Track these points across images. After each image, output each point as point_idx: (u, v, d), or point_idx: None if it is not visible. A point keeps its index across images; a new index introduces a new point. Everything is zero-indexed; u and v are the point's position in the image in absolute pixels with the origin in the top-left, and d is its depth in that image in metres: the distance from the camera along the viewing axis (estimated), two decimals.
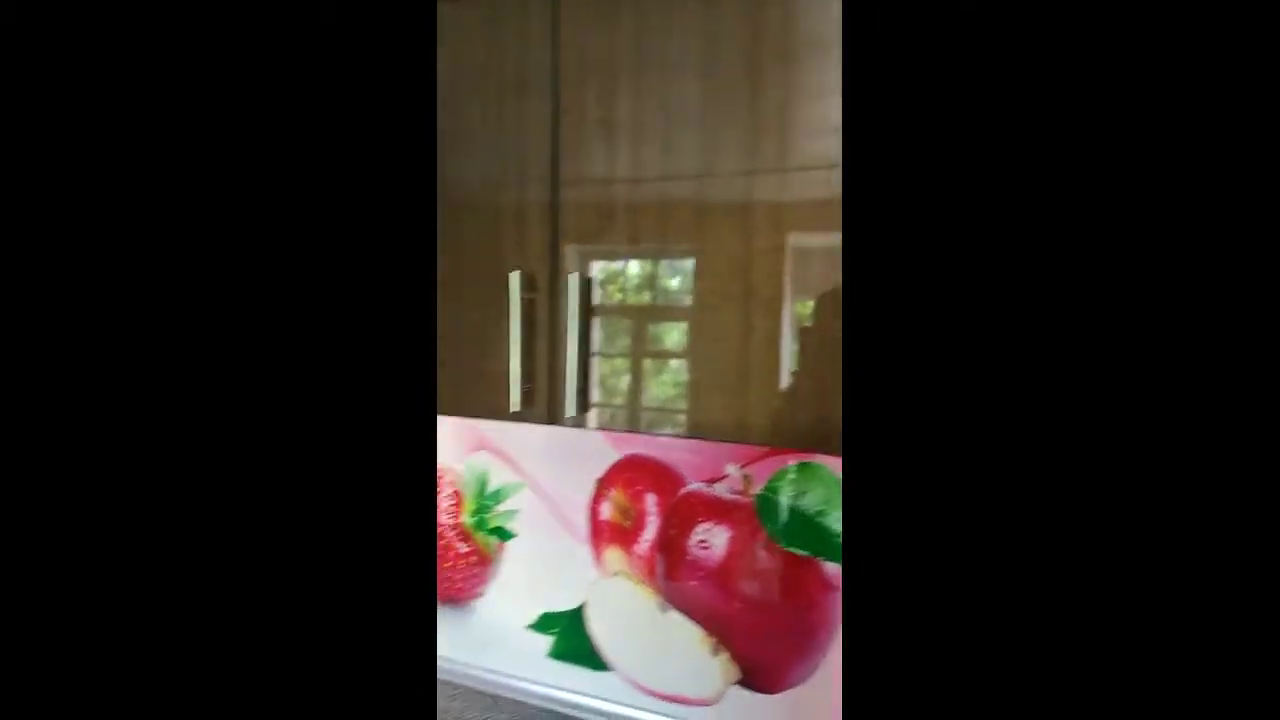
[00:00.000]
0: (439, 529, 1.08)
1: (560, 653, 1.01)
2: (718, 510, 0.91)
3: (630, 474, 0.95)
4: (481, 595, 1.06)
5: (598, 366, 0.71)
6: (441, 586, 1.08)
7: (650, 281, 0.68)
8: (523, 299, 0.72)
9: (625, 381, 0.70)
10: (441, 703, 1.00)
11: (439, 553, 1.08)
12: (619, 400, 0.70)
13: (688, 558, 0.92)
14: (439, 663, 1.08)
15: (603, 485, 0.97)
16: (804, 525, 0.85)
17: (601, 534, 0.98)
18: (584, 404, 0.71)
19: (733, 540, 0.89)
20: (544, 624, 1.02)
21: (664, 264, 0.67)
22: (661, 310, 0.68)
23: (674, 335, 0.67)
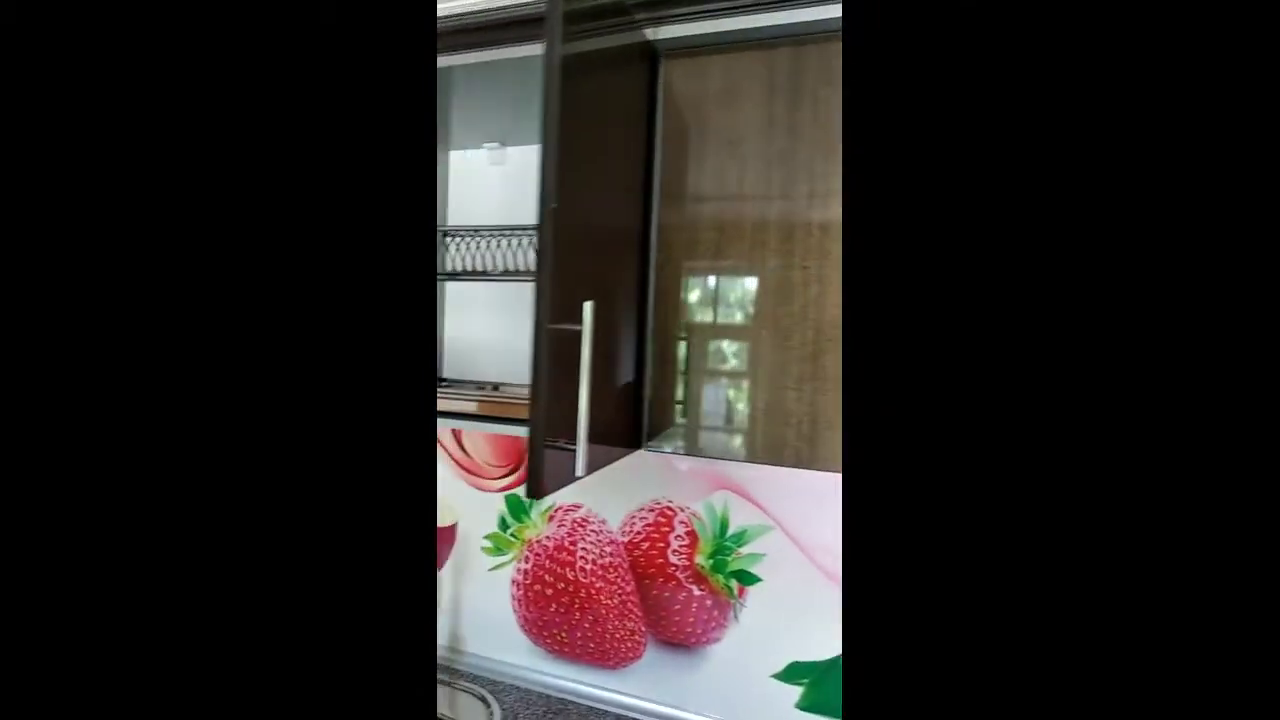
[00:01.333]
0: (669, 570, 1.03)
1: (811, 704, 0.97)
2: None
3: None
4: (718, 641, 1.01)
5: None
6: (670, 630, 1.03)
7: None
8: None
9: None
10: None
11: (667, 595, 1.03)
12: None
13: None
14: (670, 710, 1.04)
15: None
16: None
17: None
18: None
19: None
20: (792, 673, 0.98)
21: None
22: None
23: None
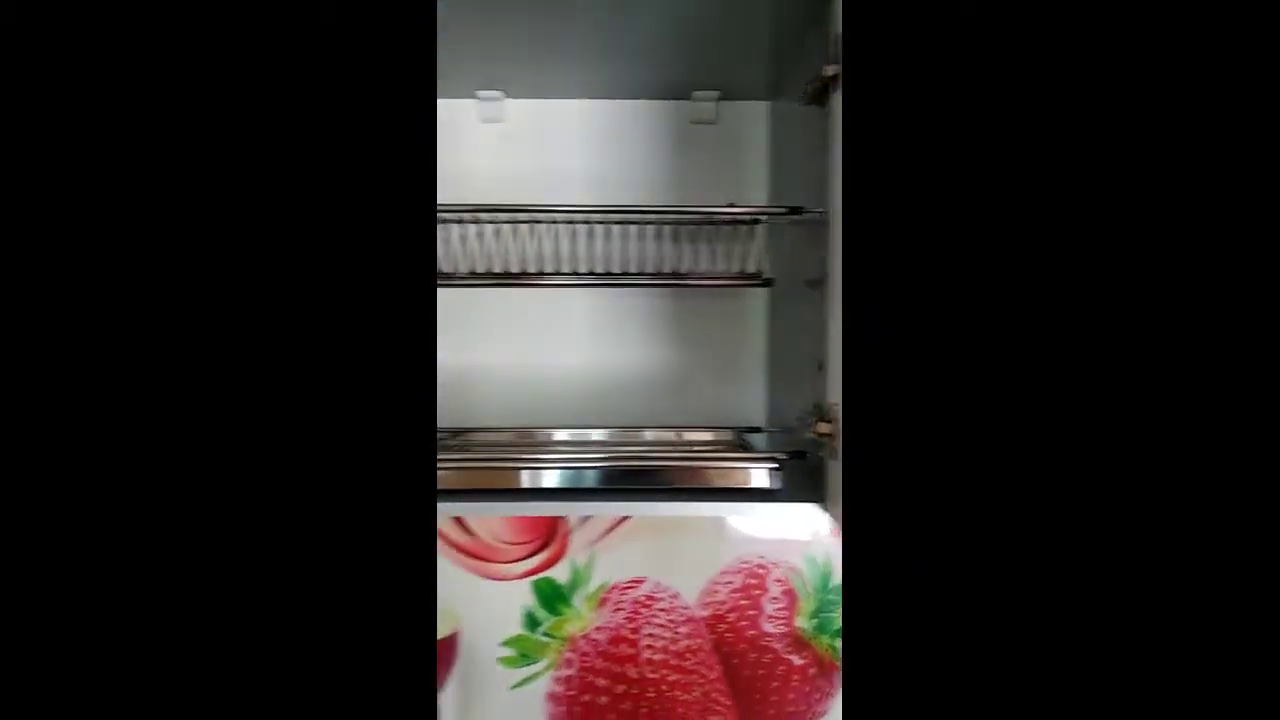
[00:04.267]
0: (763, 641, 0.84)
1: None
2: None
3: None
4: (824, 715, 0.86)
5: None
6: (768, 715, 0.85)
7: None
8: None
9: None
10: None
11: (762, 673, 0.85)
12: None
13: None
14: None
15: None
16: None
17: None
18: None
19: None
20: None
21: None
22: None
23: None
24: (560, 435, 0.81)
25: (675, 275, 0.80)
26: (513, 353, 0.84)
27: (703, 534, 0.84)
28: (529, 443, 0.81)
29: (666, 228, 0.80)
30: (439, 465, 0.63)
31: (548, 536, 0.83)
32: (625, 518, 0.84)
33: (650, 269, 0.80)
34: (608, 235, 0.79)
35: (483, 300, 0.83)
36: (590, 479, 0.62)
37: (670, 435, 0.82)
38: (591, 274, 0.79)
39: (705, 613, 0.85)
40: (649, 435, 0.82)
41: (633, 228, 0.80)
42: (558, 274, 0.79)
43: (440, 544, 0.83)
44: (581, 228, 0.78)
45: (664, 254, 0.81)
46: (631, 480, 0.62)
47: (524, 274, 0.79)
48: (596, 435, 0.81)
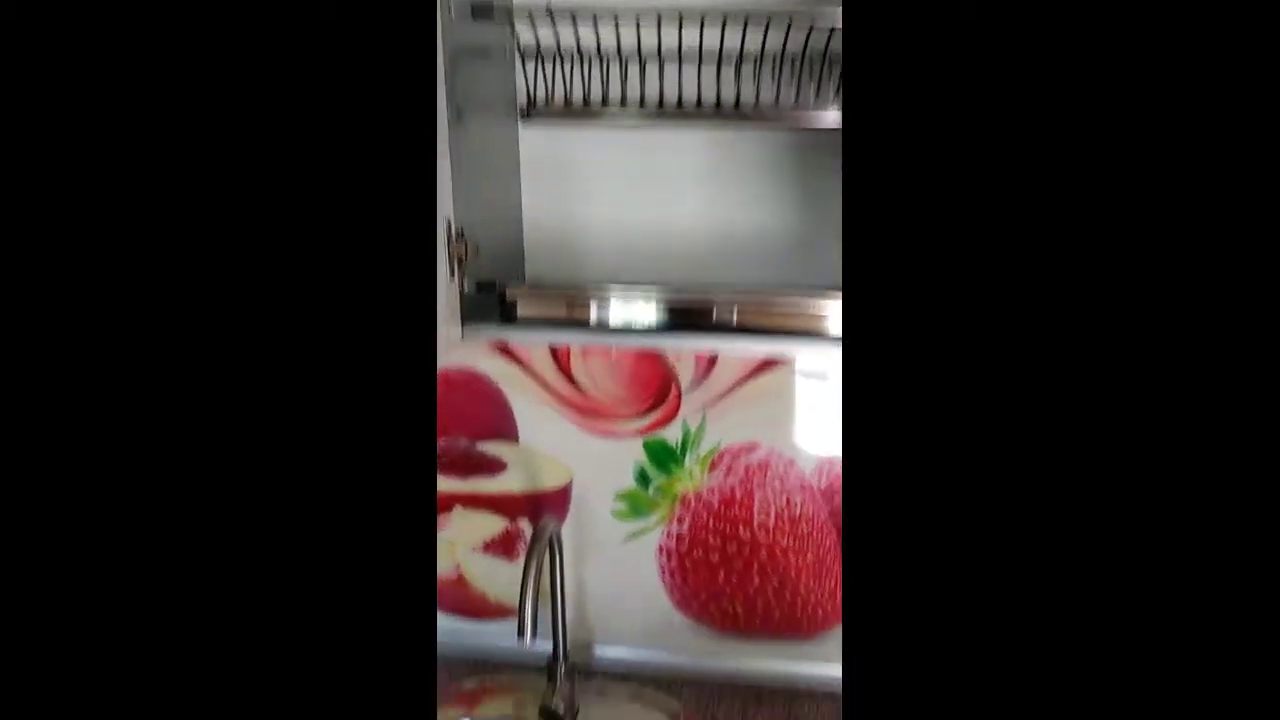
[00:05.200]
0: None
1: None
2: None
3: None
4: None
5: None
6: None
7: None
8: None
9: None
10: None
11: None
12: None
13: None
14: None
15: None
16: None
17: None
18: None
19: None
20: None
21: None
22: None
23: None
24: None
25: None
26: (627, 206, 0.80)
27: (821, 406, 0.79)
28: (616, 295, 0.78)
29: (797, 65, 0.69)
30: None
31: (659, 396, 0.81)
32: (743, 381, 0.80)
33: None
34: (737, 74, 0.69)
35: (599, 145, 0.78)
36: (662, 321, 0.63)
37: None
38: (663, 107, 0.71)
39: (822, 484, 0.81)
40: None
41: (762, 68, 0.70)
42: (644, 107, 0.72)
43: (547, 395, 0.83)
44: (707, 68, 0.69)
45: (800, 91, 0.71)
46: (702, 320, 0.60)
47: (622, 106, 0.73)
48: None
